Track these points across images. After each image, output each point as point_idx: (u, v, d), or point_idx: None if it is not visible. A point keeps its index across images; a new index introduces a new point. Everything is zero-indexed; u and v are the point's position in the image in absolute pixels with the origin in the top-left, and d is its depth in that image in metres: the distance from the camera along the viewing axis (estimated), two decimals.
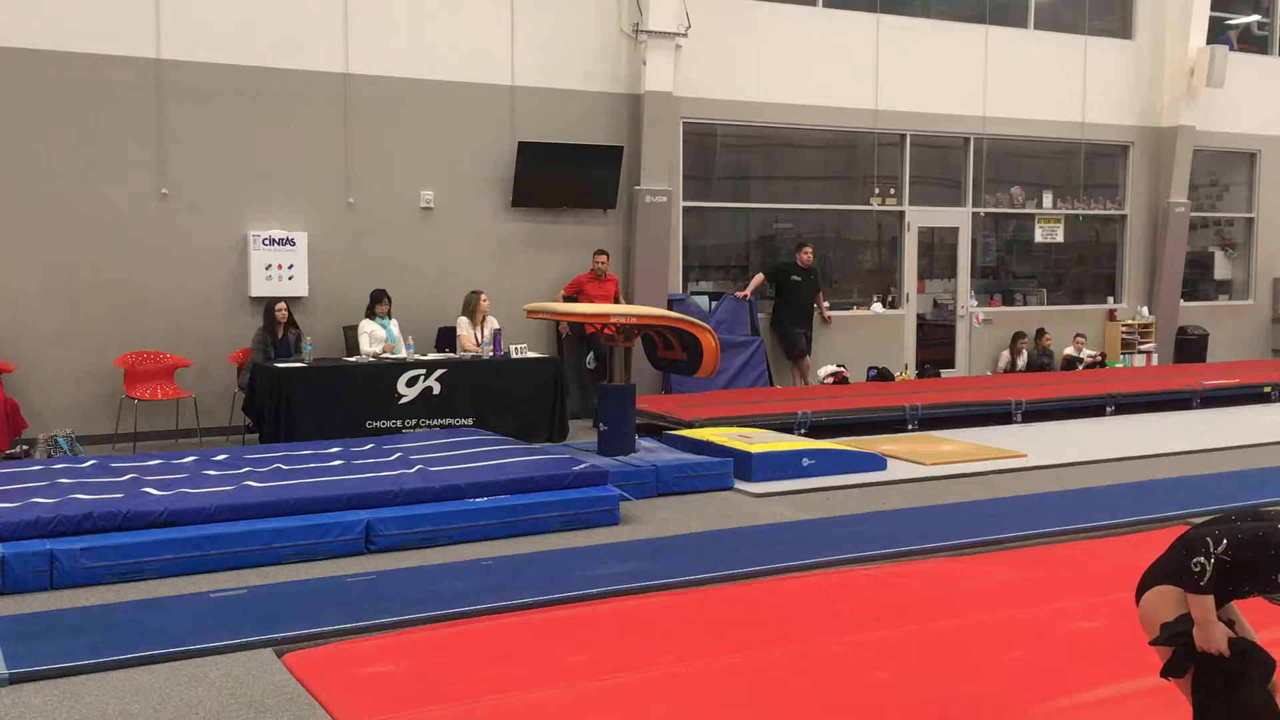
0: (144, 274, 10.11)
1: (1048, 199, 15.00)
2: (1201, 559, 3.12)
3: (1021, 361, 14.31)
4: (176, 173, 10.21)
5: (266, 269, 10.47)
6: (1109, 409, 12.15)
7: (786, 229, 13.71)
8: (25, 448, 9.18)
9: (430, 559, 6.38)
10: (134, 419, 9.90)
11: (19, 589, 5.70)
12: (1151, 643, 3.33)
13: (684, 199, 12.63)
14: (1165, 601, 3.32)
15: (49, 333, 9.78)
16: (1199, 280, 16.29)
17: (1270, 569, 3.14)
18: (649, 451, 8.80)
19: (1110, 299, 15.52)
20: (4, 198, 9.63)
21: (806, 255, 12.83)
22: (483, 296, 10.65)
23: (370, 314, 10.41)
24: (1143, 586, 3.43)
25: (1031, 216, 14.96)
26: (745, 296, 12.77)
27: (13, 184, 9.66)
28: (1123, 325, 15.15)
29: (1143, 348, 15.16)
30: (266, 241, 10.47)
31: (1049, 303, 15.20)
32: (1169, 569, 3.34)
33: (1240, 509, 3.44)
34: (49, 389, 9.79)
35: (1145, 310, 15.38)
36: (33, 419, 9.50)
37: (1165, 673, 3.32)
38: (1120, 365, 14.91)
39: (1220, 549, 3.12)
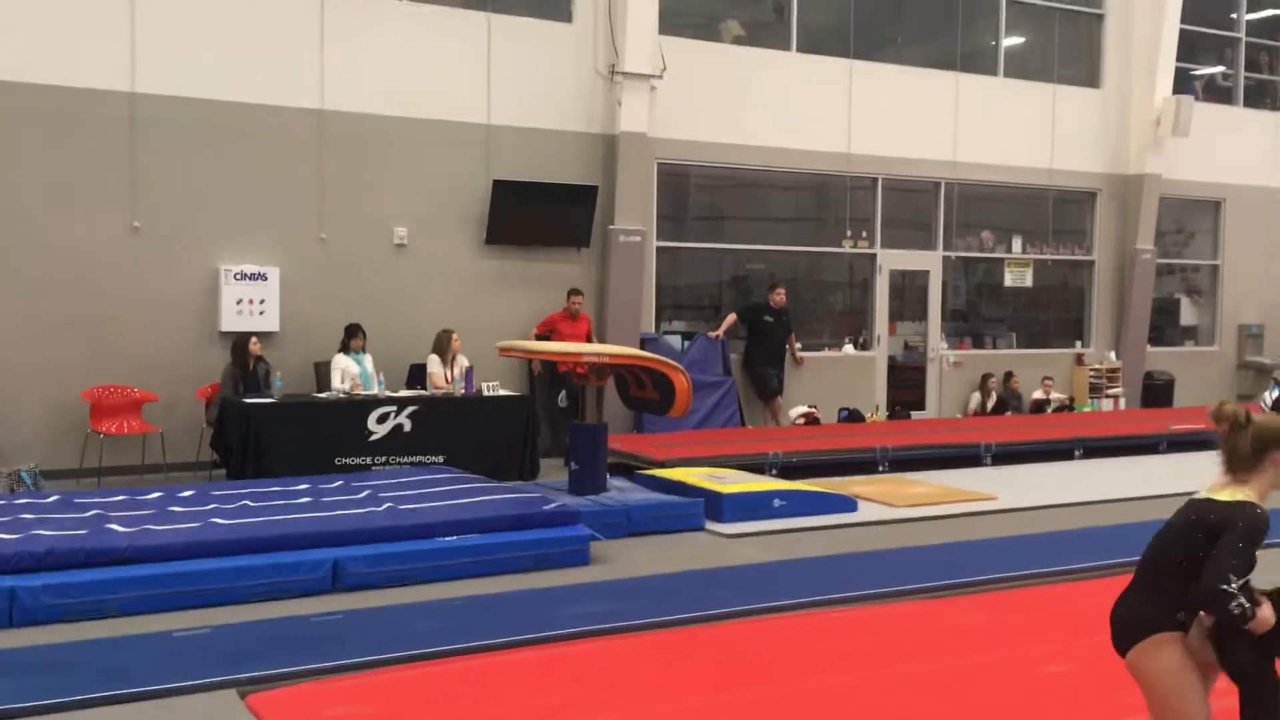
0: (114, 307, 10.02)
1: (1017, 244, 15.16)
2: (1240, 601, 3.18)
3: (990, 403, 14.39)
4: (149, 206, 10.16)
5: (237, 304, 10.41)
6: (1077, 453, 12.21)
7: (759, 270, 13.78)
8: None
9: (398, 598, 6.31)
10: (99, 454, 9.78)
11: None
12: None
13: (658, 239, 12.68)
14: (1164, 651, 3.36)
15: (15, 365, 9.66)
16: (1165, 326, 16.49)
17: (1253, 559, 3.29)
18: (620, 491, 8.77)
19: (1078, 343, 15.66)
20: None
21: (779, 296, 12.88)
22: (454, 336, 10.62)
23: (344, 348, 10.36)
24: (1129, 638, 3.42)
25: (1001, 261, 15.11)
26: (718, 337, 12.79)
27: None
28: (1090, 370, 15.28)
29: (1110, 392, 15.28)
30: (238, 276, 10.42)
31: (1018, 346, 15.32)
32: (1155, 617, 3.37)
33: (1179, 524, 3.47)
34: (13, 422, 9.65)
35: (1112, 355, 15.52)
36: None
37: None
38: (1088, 409, 15.02)
39: (1240, 584, 3.19)
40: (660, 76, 12.02)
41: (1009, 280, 15.18)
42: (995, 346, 15.14)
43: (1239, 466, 3.43)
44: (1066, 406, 14.83)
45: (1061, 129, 14.94)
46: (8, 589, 5.72)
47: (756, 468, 10.09)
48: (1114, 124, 15.35)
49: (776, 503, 8.72)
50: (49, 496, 7.66)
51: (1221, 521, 3.32)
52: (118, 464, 9.95)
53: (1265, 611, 3.26)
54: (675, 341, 12.71)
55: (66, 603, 5.81)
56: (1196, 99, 15.57)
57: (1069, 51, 15.40)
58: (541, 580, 6.75)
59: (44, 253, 9.77)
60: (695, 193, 13.42)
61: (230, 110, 10.38)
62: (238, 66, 10.41)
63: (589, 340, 11.45)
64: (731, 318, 12.96)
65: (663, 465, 9.84)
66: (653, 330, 12.58)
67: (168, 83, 10.15)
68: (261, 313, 10.49)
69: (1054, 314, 15.92)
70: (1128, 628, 3.44)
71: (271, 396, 9.68)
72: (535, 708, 4.58)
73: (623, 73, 11.87)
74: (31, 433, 9.72)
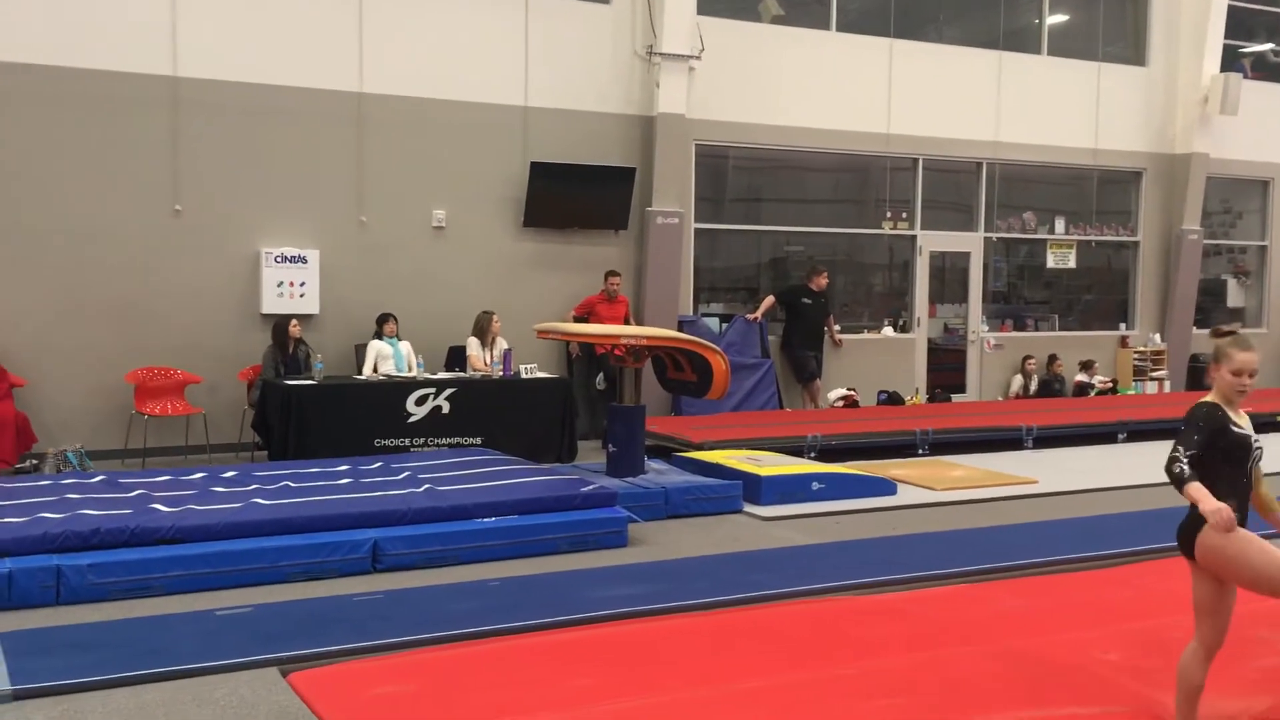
0: (156, 290, 10.13)
1: (1060, 225, 14.97)
2: (1179, 465, 3.69)
3: (1032, 386, 14.26)
4: (190, 189, 10.25)
5: (278, 286, 10.49)
6: (1121, 436, 12.07)
7: (798, 251, 13.70)
8: (34, 462, 9.19)
9: (437, 579, 6.35)
10: (144, 435, 9.90)
11: (25, 604, 5.68)
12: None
13: (695, 221, 12.63)
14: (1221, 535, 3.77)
15: (61, 347, 9.80)
16: (1212, 308, 16.24)
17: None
18: (658, 473, 8.77)
19: (1122, 325, 15.47)
20: (19, 212, 9.68)
21: (822, 280, 12.78)
22: (494, 317, 10.64)
23: (378, 335, 10.43)
24: (1187, 536, 3.83)
25: (1044, 242, 14.94)
26: (756, 319, 12.75)
27: (28, 199, 9.71)
28: (1135, 352, 15.10)
29: (1155, 375, 15.09)
30: (279, 259, 10.49)
31: (1061, 328, 15.16)
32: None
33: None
34: (59, 403, 9.80)
35: (1157, 337, 15.32)
36: (43, 433, 9.51)
37: None
38: (1132, 392, 14.84)
39: (1188, 456, 3.71)
40: (698, 57, 11.96)
41: (1051, 262, 15.01)
42: (1037, 329, 14.98)
43: (1209, 375, 3.99)
44: (1110, 389, 14.66)
45: (1106, 108, 14.72)
46: (54, 568, 5.81)
47: (795, 450, 10.06)
48: (1160, 102, 15.11)
49: (815, 485, 8.69)
50: (94, 477, 7.77)
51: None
52: (161, 445, 10.08)
53: (1206, 499, 3.60)
54: (713, 323, 12.68)
55: (112, 581, 5.89)
56: (1245, 76, 15.28)
57: (1114, 29, 15.16)
58: (579, 562, 6.77)
59: (88, 236, 9.89)
60: (733, 174, 13.36)
61: (271, 93, 10.44)
62: (278, 50, 10.47)
63: (627, 322, 11.44)
64: (770, 300, 12.90)
65: (700, 447, 9.83)
66: (690, 312, 12.55)
67: (209, 66, 10.22)
68: (302, 295, 10.57)
69: (1097, 296, 15.73)
70: (1186, 529, 3.82)
71: (312, 378, 9.75)
72: (573, 689, 4.59)
73: (661, 54, 11.82)
74: (77, 414, 9.85)
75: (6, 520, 6.22)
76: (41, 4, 9.66)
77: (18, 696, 4.47)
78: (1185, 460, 3.68)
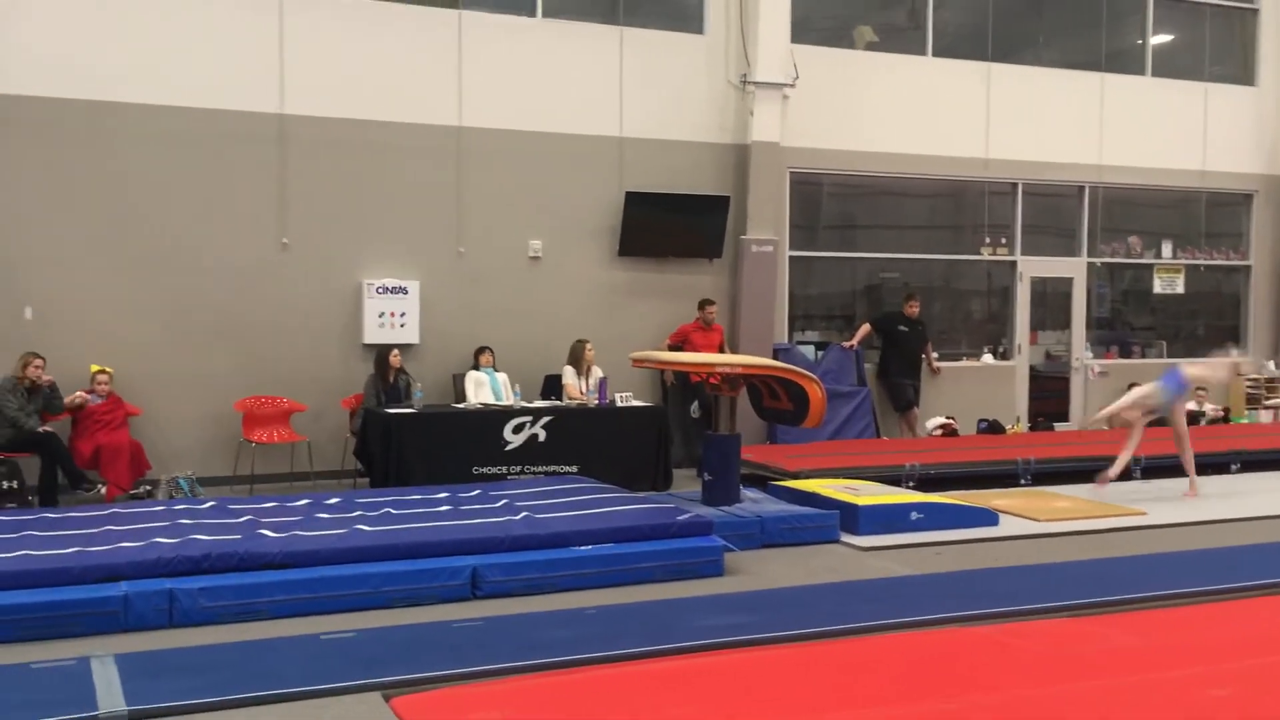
0: (263, 321, 10.43)
1: (1167, 249, 14.61)
2: None
3: None
4: (297, 223, 10.55)
5: (380, 316, 10.73)
6: (1234, 466, 11.67)
7: (893, 278, 13.57)
8: (149, 488, 9.51)
9: (535, 606, 6.39)
10: (251, 462, 10.17)
11: (140, 626, 5.86)
12: None
13: (790, 248, 12.60)
14: None
15: (173, 377, 10.13)
16: None
17: None
18: (754, 502, 8.72)
19: (1234, 352, 14.98)
20: (134, 246, 10.06)
21: (914, 307, 12.66)
22: (588, 346, 10.73)
23: (475, 366, 10.60)
24: None
25: (1150, 267, 14.57)
26: (852, 347, 12.65)
27: (142, 234, 10.09)
28: (1247, 380, 14.61)
29: (1269, 403, 14.58)
30: (380, 290, 10.73)
31: (1169, 355, 14.74)
32: None
33: None
34: (172, 431, 10.12)
35: (1271, 364, 14.81)
36: (156, 460, 9.83)
37: None
38: (1245, 421, 14.36)
39: None
40: (793, 85, 11.97)
41: (1158, 287, 14.64)
42: (1144, 356, 14.60)
43: None
44: (1222, 418, 14.20)
45: (1214, 129, 14.34)
46: (167, 591, 5.99)
47: (893, 480, 9.93)
48: (1271, 122, 14.67)
49: (914, 515, 8.57)
50: (205, 503, 8.00)
51: None
52: (268, 471, 10.33)
53: None
54: (809, 351, 12.62)
55: (221, 605, 6.05)
56: None
57: (1221, 48, 14.78)
58: (675, 591, 6.75)
59: (201, 269, 10.23)
60: (828, 201, 13.31)
61: (373, 128, 10.72)
62: (380, 86, 10.74)
63: (722, 351, 11.44)
64: (866, 327, 12.79)
65: (796, 476, 9.76)
66: (786, 340, 12.51)
67: (314, 104, 10.53)
68: (402, 325, 10.79)
69: (1207, 321, 15.27)
70: None
71: (412, 407, 9.93)
72: (670, 718, 4.58)
73: (755, 82, 11.85)
74: (189, 442, 10.17)
75: (123, 545, 6.45)
76: (161, 48, 10.06)
77: (134, 718, 4.61)
78: None
